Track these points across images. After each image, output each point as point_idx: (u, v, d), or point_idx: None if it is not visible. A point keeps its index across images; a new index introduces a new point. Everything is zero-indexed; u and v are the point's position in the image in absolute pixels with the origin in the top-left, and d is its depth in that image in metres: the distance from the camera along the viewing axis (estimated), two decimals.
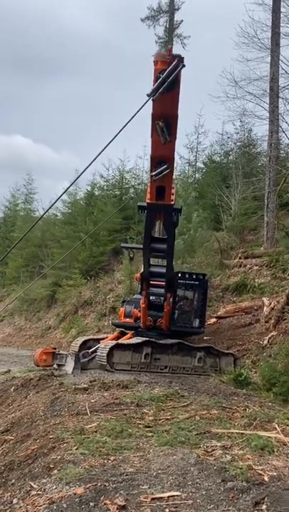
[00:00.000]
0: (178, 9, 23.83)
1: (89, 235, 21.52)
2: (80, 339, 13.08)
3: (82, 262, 24.24)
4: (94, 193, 29.12)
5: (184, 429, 5.84)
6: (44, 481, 4.44)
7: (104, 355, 10.95)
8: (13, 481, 4.97)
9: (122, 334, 13.04)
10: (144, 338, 11.41)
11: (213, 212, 21.54)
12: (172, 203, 9.03)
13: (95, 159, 6.12)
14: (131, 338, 12.25)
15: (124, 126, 5.68)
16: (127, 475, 4.31)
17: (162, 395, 7.81)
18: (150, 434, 5.68)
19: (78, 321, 21.90)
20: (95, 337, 13.79)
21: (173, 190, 8.98)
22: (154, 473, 4.33)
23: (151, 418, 6.45)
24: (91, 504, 3.70)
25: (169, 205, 8.96)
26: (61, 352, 12.24)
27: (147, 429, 5.93)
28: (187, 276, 12.40)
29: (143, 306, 11.75)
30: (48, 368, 11.40)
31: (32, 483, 4.47)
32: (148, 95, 6.25)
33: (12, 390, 9.53)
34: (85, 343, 12.61)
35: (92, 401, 7.46)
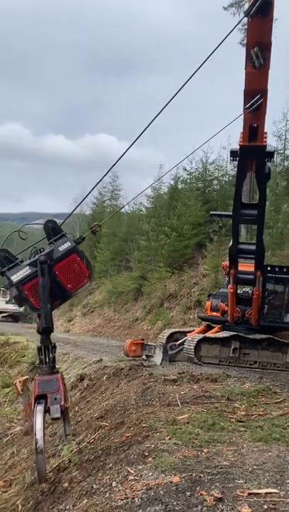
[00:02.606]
0: None
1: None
2: (167, 331, 13.27)
3: (166, 256, 24.51)
4: (177, 187, 29.20)
5: (278, 426, 5.68)
6: (140, 467, 4.59)
7: (192, 348, 11.01)
8: (111, 465, 5.23)
9: (209, 328, 12.98)
10: (233, 333, 11.25)
11: None
12: (265, 144, 8.78)
13: (153, 120, 6.02)
14: (218, 332, 12.15)
15: (211, 54, 5.67)
16: (221, 468, 4.31)
17: (253, 390, 7.65)
18: (243, 429, 5.61)
19: (164, 313, 22.22)
20: (181, 330, 13.91)
21: (265, 135, 8.73)
22: (250, 469, 4.27)
23: (243, 413, 6.36)
24: (187, 493, 3.76)
25: (262, 147, 8.72)
26: (149, 343, 12.53)
27: (240, 423, 5.85)
28: (277, 269, 11.93)
29: (231, 291, 11.38)
30: (137, 359, 11.73)
31: (129, 469, 4.65)
32: (244, 13, 6.49)
33: (104, 378, 9.98)
34: (172, 335, 12.78)
35: (182, 393, 7.54)
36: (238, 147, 8.93)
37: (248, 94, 7.80)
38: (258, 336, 11.24)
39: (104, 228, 32.94)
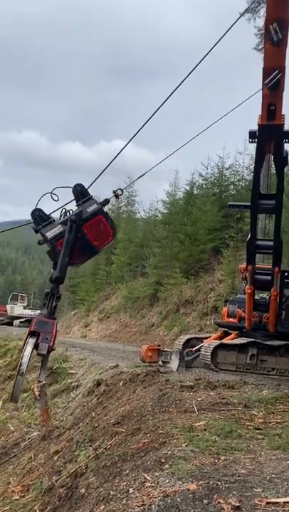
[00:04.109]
0: None
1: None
2: (184, 337, 13.22)
3: (182, 261, 24.47)
4: (193, 193, 29.18)
5: None
6: (157, 474, 4.58)
7: (209, 354, 10.94)
8: (127, 471, 5.22)
9: (226, 334, 12.89)
10: (250, 339, 11.15)
11: None
12: (283, 123, 8.86)
13: (152, 116, 6.12)
14: (235, 338, 12.06)
15: (212, 48, 5.76)
16: (239, 476, 4.27)
17: (271, 397, 7.56)
18: (261, 437, 5.55)
19: (180, 319, 22.16)
20: (198, 336, 13.84)
21: (283, 116, 8.80)
22: (268, 477, 4.22)
23: (260, 420, 6.29)
24: (204, 501, 3.73)
25: (280, 126, 8.84)
26: (166, 349, 12.49)
27: (257, 431, 5.79)
28: None
29: (248, 292, 11.29)
30: (153, 365, 11.70)
31: (146, 475, 4.64)
32: None
33: (121, 384, 9.98)
34: (188, 341, 12.73)
35: (199, 399, 7.50)
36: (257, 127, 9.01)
37: (267, 72, 7.99)
38: (275, 343, 11.11)
39: (120, 234, 33.13)
